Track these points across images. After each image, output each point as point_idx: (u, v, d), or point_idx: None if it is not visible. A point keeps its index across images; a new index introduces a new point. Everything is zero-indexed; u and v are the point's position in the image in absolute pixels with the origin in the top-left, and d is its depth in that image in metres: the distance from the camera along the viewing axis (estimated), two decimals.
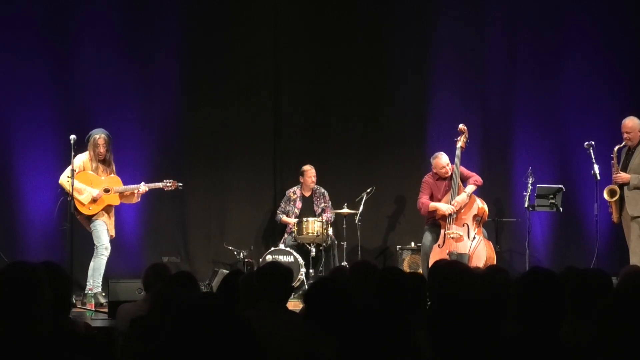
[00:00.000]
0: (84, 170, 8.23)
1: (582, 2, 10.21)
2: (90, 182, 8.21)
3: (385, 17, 10.29)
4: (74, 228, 8.15)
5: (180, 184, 8.76)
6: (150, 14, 9.78)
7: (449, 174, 8.79)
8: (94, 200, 8.17)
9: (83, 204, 8.16)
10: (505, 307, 3.49)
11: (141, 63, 9.75)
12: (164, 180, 8.64)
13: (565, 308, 3.10)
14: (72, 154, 8.02)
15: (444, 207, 8.63)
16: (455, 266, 4.83)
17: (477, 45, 10.25)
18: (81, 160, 8.23)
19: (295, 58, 10.24)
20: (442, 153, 8.85)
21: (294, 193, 9.71)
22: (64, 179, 8.13)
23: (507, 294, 3.75)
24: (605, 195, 8.35)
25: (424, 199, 8.82)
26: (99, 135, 8.25)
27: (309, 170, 9.63)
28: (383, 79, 10.32)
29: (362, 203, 9.39)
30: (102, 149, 8.25)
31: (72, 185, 7.98)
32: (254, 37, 10.12)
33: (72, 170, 7.99)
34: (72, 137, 8.06)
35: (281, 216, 9.69)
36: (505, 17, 10.25)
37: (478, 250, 8.43)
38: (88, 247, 8.43)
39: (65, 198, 8.12)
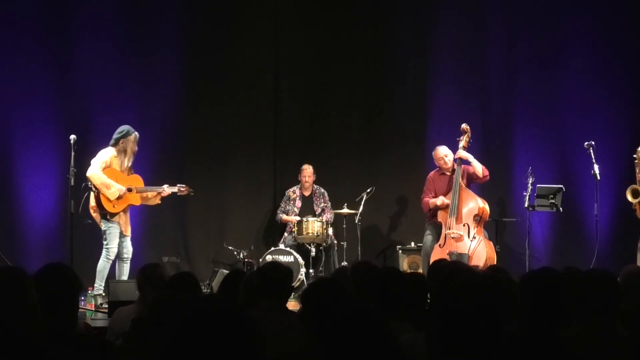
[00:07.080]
0: (110, 166, 8.01)
1: (583, 2, 10.21)
2: (115, 178, 7.99)
3: (385, 17, 10.29)
4: (74, 228, 8.10)
5: (193, 191, 8.49)
6: (149, 13, 9.79)
7: (449, 165, 8.80)
8: (120, 197, 7.97)
9: (109, 200, 7.93)
10: (506, 308, 3.49)
11: (141, 62, 9.75)
12: (177, 185, 8.41)
13: (569, 309, 3.10)
14: (72, 153, 7.99)
15: (440, 200, 8.65)
16: (455, 266, 4.83)
17: (478, 46, 10.25)
18: (108, 155, 8.01)
19: (295, 57, 10.25)
20: (442, 145, 8.93)
21: (294, 192, 9.71)
22: (96, 173, 7.86)
23: (507, 294, 3.75)
24: (629, 196, 8.25)
25: (426, 198, 8.83)
26: (135, 133, 8.12)
27: (305, 170, 9.64)
28: (383, 79, 10.33)
29: (362, 203, 9.38)
30: (136, 147, 8.15)
31: (71, 185, 7.94)
32: (254, 35, 10.12)
33: (73, 170, 7.95)
34: (72, 137, 8.04)
35: (282, 215, 9.69)
36: (506, 17, 10.25)
37: (478, 250, 8.41)
38: (88, 247, 8.42)
39: (89, 192, 7.91)
